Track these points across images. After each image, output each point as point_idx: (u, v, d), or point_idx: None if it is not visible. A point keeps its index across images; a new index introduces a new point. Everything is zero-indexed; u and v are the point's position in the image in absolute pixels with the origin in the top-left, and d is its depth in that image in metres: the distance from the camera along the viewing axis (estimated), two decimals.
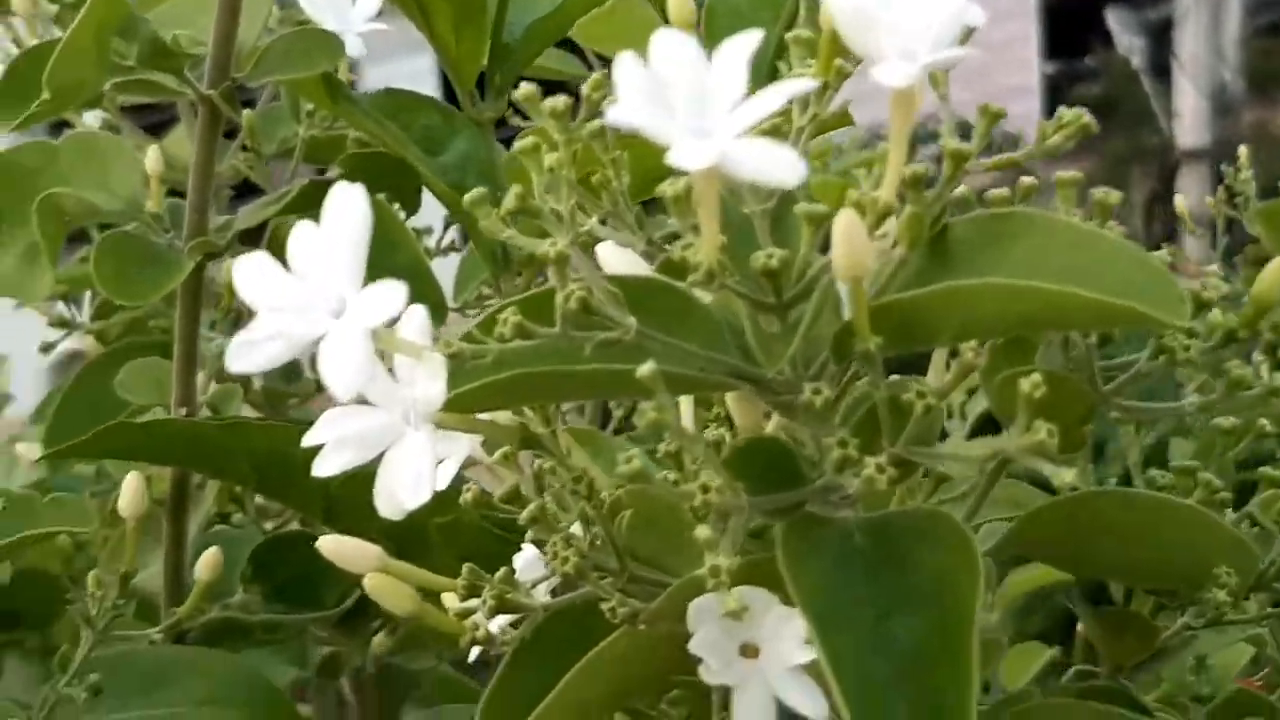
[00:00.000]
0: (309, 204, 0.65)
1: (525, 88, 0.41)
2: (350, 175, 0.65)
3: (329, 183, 0.66)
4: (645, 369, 0.37)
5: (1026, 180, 0.45)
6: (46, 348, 0.77)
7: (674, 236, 0.42)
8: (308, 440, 0.39)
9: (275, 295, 0.37)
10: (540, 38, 0.66)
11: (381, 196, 0.68)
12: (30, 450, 0.82)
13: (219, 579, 0.65)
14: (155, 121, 0.91)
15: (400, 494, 0.38)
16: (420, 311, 0.39)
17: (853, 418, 0.40)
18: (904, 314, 0.39)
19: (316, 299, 0.36)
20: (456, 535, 0.59)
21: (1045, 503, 0.45)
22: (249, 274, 0.37)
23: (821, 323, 0.40)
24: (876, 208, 0.38)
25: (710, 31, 0.60)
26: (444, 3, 0.63)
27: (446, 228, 0.82)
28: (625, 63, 0.35)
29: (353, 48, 0.72)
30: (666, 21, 0.53)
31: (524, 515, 0.42)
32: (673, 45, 0.35)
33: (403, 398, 0.39)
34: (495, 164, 0.65)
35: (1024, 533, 0.44)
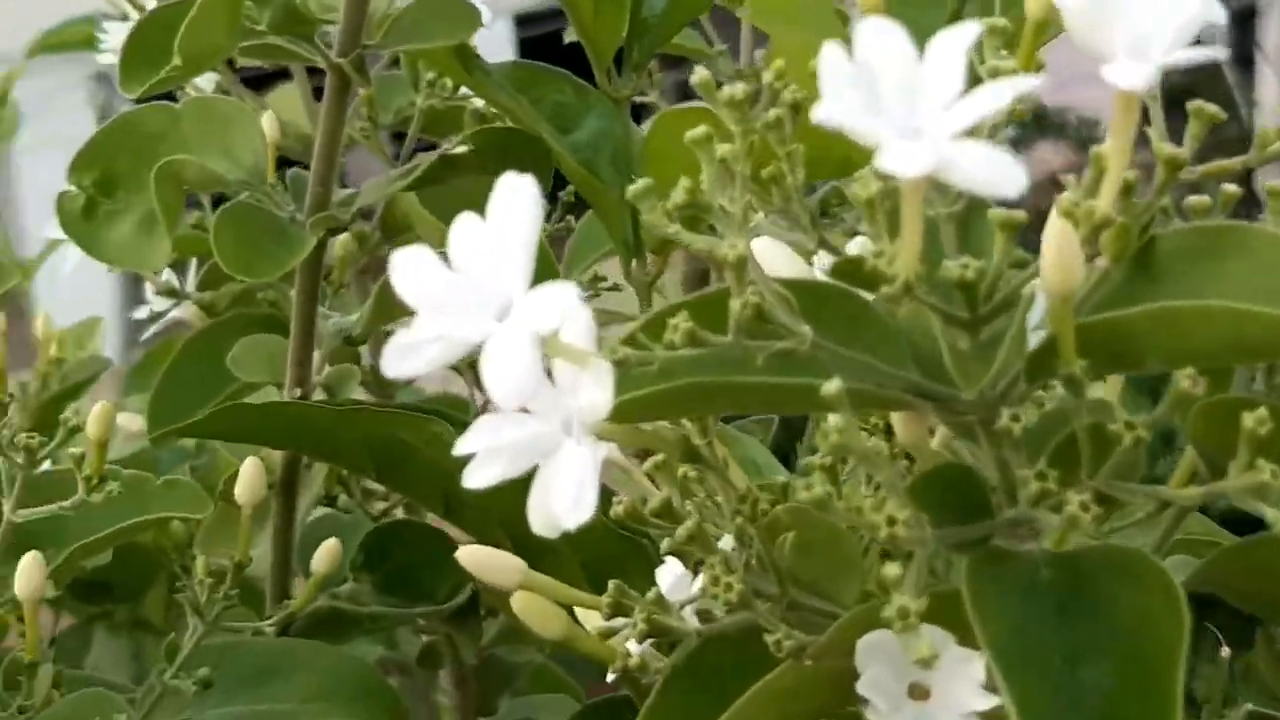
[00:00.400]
0: (435, 180, 0.63)
1: (700, 74, 0.38)
2: (480, 151, 0.63)
3: (457, 159, 0.64)
4: (831, 387, 0.34)
5: (1230, 188, 0.42)
6: (155, 317, 0.75)
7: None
8: (460, 449, 0.36)
9: (436, 294, 0.34)
10: (681, 12, 0.63)
11: None
12: (131, 421, 0.80)
13: None
14: (252, 76, 0.88)
15: (559, 509, 0.35)
16: (586, 314, 0.36)
17: (1046, 445, 0.37)
18: (1109, 335, 0.36)
19: (481, 299, 0.34)
20: (580, 534, 0.56)
21: (1243, 542, 0.41)
22: (407, 269, 0.34)
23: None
24: (1092, 219, 0.35)
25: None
26: None
27: (567, 211, 0.79)
28: (830, 55, 0.32)
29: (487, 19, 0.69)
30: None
31: (680, 533, 0.40)
32: (881, 35, 0.32)
33: (563, 406, 0.36)
34: (630, 143, 0.62)
35: (1216, 571, 0.41)
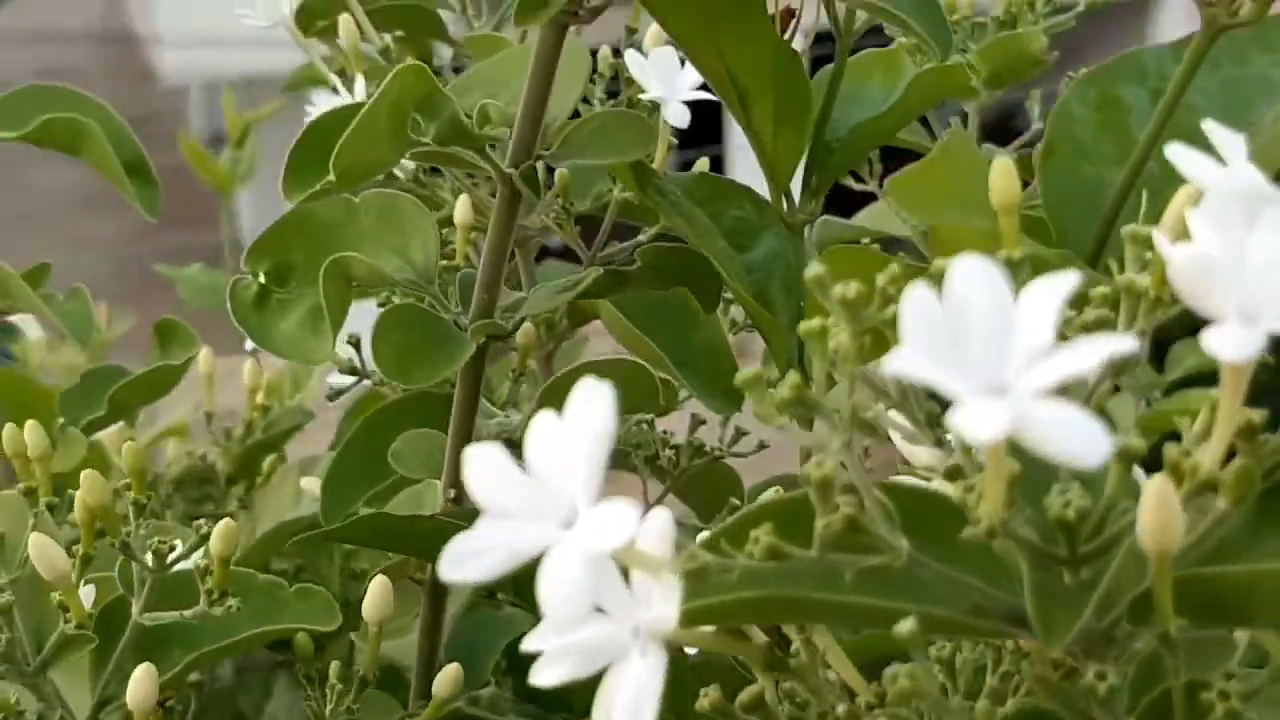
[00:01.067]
0: (603, 293, 0.62)
1: (815, 270, 0.37)
2: (649, 267, 0.62)
3: (626, 274, 0.63)
4: (905, 627, 0.33)
5: None
6: (334, 395, 0.75)
7: None
8: (528, 645, 0.35)
9: (504, 498, 0.33)
10: (865, 140, 0.62)
11: None
12: (312, 486, 0.80)
13: (470, 666, 0.63)
14: None
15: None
16: (664, 518, 0.35)
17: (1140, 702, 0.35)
18: (1216, 591, 0.34)
19: (548, 505, 0.33)
20: (707, 667, 0.55)
21: None
22: (482, 470, 0.34)
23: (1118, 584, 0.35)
24: (1197, 477, 0.33)
25: (1049, 167, 0.55)
26: (766, 96, 0.59)
27: None
28: (917, 298, 0.30)
29: (676, 117, 0.68)
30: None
31: None
32: (974, 277, 0.31)
33: (634, 612, 0.35)
34: (802, 269, 0.61)
35: None
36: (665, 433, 0.75)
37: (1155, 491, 0.31)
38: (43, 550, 0.48)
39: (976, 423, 0.29)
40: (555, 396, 0.66)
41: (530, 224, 0.71)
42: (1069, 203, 0.53)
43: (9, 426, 0.55)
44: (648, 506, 0.78)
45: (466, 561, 0.33)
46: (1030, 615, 0.34)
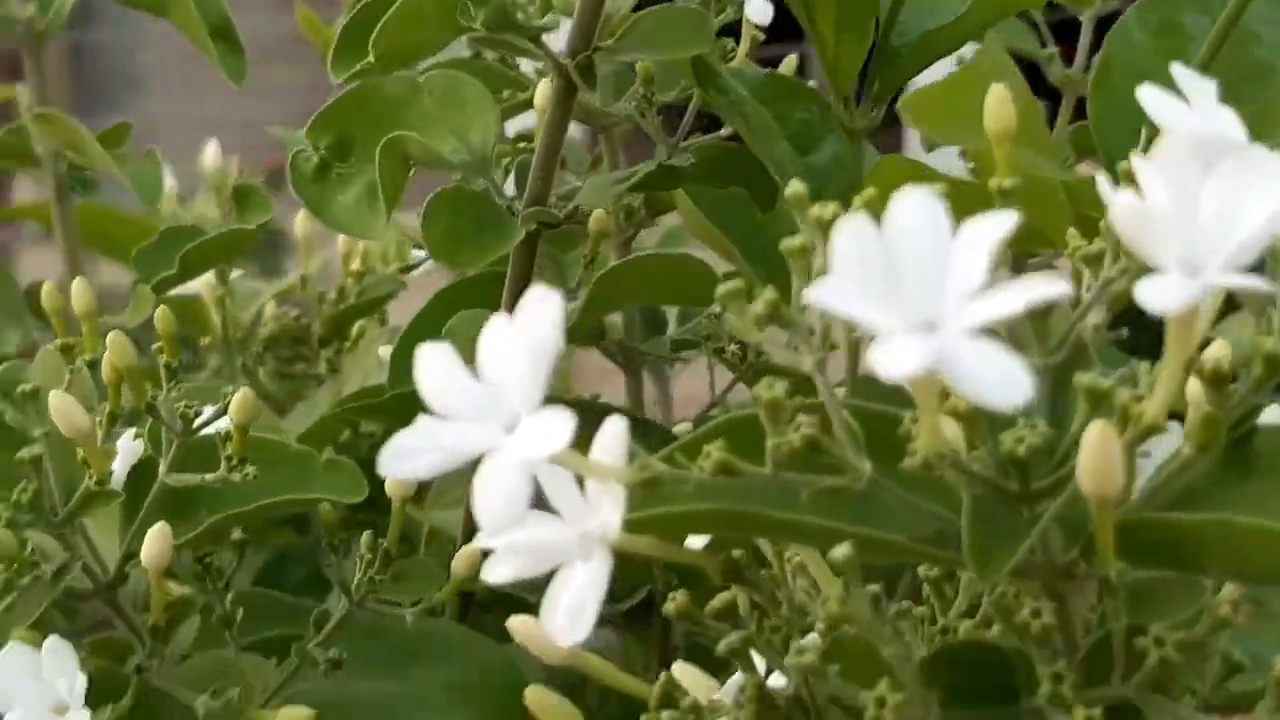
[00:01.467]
0: (657, 186, 0.62)
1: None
2: (701, 164, 0.62)
3: (678, 170, 0.63)
4: (840, 552, 0.33)
5: None
6: (406, 269, 0.76)
7: None
8: (477, 542, 0.36)
9: (453, 399, 0.34)
10: (935, 47, 0.60)
11: None
12: (388, 354, 0.81)
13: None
14: None
15: (555, 625, 0.34)
16: (618, 425, 0.35)
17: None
18: (1165, 537, 0.33)
19: (493, 409, 0.33)
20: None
21: None
22: (432, 370, 0.34)
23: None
24: (1141, 424, 0.32)
25: (1102, 89, 0.54)
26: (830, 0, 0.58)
27: None
28: (850, 231, 0.30)
29: (759, 13, 0.67)
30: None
31: (722, 646, 0.38)
32: (914, 209, 0.30)
33: (585, 518, 0.35)
34: (859, 177, 0.60)
35: None
36: None
37: (1095, 435, 0.31)
38: (62, 407, 0.49)
39: (890, 358, 0.28)
40: (607, 286, 0.66)
41: (615, 111, 0.71)
42: (1118, 127, 0.52)
43: (47, 285, 0.56)
44: (715, 397, 0.78)
45: (408, 457, 0.33)
46: (964, 547, 0.33)
